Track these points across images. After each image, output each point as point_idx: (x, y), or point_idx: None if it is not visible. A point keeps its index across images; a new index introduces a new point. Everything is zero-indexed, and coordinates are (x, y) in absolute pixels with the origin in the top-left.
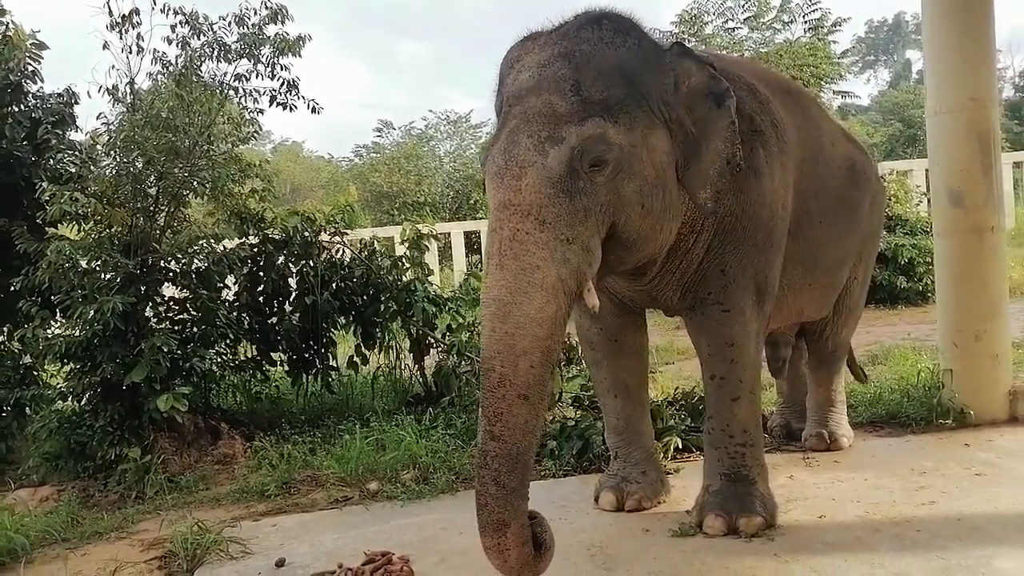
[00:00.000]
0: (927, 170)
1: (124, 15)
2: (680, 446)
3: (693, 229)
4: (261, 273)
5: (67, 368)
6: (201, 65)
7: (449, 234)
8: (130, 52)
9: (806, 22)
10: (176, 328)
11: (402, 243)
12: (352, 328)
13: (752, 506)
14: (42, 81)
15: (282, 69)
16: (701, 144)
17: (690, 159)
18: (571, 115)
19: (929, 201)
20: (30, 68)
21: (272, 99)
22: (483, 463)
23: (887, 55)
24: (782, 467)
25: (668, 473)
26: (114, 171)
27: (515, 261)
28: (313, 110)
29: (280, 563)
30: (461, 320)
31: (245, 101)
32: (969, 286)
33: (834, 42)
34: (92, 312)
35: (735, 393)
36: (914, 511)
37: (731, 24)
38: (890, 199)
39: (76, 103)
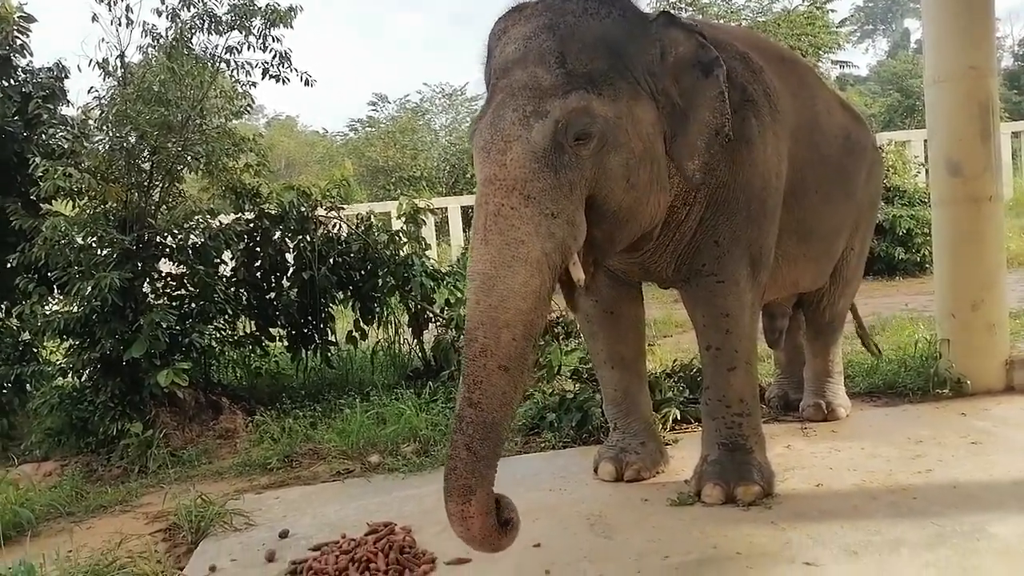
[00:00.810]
0: (925, 141)
1: None
2: (679, 417)
3: (686, 201)
4: (258, 248)
5: (66, 344)
6: (192, 37)
7: (446, 208)
8: (119, 25)
9: None
10: (174, 304)
11: (399, 218)
12: (350, 303)
13: (750, 475)
14: (31, 55)
15: (274, 41)
16: (688, 115)
17: (677, 130)
18: (555, 88)
19: (927, 172)
20: (18, 42)
21: (264, 72)
22: (458, 428)
23: (885, 24)
24: (780, 437)
25: (667, 444)
26: (107, 146)
27: (500, 236)
28: (306, 83)
29: (283, 534)
30: (459, 294)
31: (237, 74)
32: (966, 256)
33: (832, 11)
34: (89, 288)
35: (731, 363)
36: (910, 479)
37: None
38: (888, 170)
39: (67, 77)
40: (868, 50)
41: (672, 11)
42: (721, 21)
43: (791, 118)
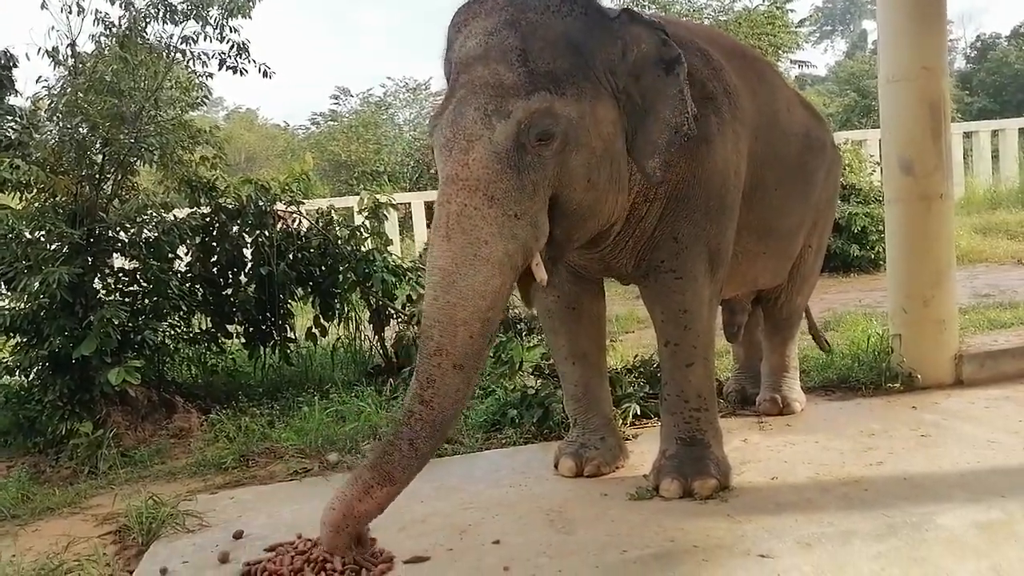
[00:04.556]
0: (880, 140)
1: None
2: (638, 412)
3: (647, 198)
4: (214, 243)
5: (13, 342)
6: (146, 27)
7: (409, 204)
8: (70, 12)
9: None
10: (126, 300)
11: (360, 212)
12: (310, 299)
13: (707, 469)
14: None
15: (232, 31)
16: (649, 113)
17: (638, 128)
18: (518, 87)
19: (882, 170)
20: None
21: (221, 63)
22: (406, 422)
23: (844, 25)
24: (736, 431)
25: (626, 439)
26: (57, 138)
27: (463, 235)
28: (264, 74)
29: (238, 535)
30: (421, 291)
31: (193, 64)
32: (917, 253)
33: (792, 11)
34: (37, 284)
35: (689, 359)
36: (862, 471)
37: None
38: (845, 168)
39: (15, 66)
40: (827, 50)
41: (634, 8)
42: (684, 19)
43: (751, 116)
